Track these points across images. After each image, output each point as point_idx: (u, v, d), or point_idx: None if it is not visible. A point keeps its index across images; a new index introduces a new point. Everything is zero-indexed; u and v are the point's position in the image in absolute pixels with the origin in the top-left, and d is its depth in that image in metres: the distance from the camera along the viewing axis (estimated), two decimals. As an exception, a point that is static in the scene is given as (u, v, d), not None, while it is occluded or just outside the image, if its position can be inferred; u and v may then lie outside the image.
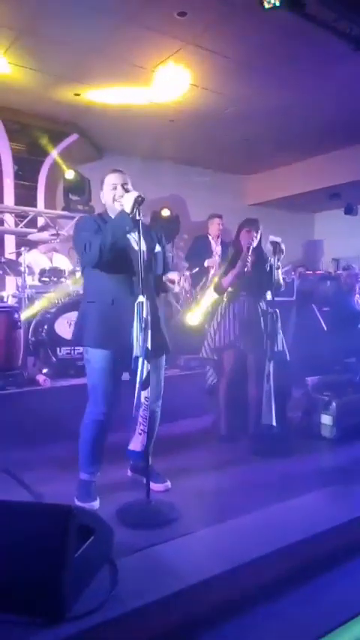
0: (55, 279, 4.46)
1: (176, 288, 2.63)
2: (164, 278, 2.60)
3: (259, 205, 8.87)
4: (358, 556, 2.18)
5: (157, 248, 2.54)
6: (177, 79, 5.20)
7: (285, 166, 8.28)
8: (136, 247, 2.48)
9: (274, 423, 3.35)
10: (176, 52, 4.64)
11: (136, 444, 2.31)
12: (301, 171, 8.11)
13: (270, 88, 5.40)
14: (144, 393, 2.27)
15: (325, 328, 6.02)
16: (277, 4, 3.36)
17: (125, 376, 2.53)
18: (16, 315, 3.71)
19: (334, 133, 6.71)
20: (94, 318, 2.45)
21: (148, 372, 2.26)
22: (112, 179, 2.50)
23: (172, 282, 2.58)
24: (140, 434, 2.30)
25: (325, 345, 5.61)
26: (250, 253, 3.42)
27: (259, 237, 3.49)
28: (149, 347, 2.25)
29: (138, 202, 2.30)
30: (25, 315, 3.93)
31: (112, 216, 2.50)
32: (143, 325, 2.25)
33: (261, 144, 7.14)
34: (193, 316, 4.89)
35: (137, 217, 2.31)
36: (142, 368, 2.26)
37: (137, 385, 2.27)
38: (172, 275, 2.59)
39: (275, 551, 1.98)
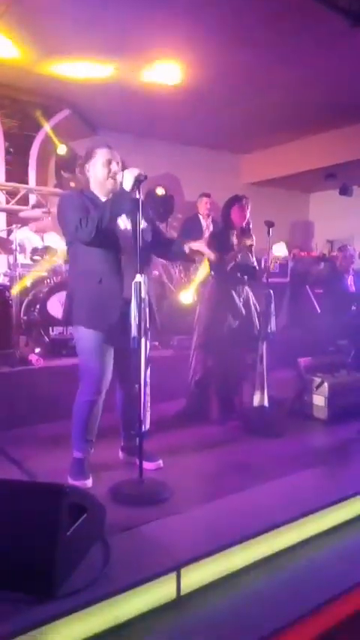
0: (47, 257, 4.40)
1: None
2: (186, 249, 2.57)
3: (254, 184, 8.77)
4: (350, 534, 2.21)
5: (143, 224, 2.42)
6: (173, 54, 5.07)
7: (281, 145, 8.17)
8: (122, 226, 2.44)
9: (267, 404, 3.38)
10: (172, 26, 4.51)
11: (146, 422, 2.34)
12: (297, 150, 8.01)
13: (267, 66, 5.29)
14: (148, 372, 2.28)
15: (319, 310, 6.03)
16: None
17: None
18: (7, 294, 3.67)
19: (331, 112, 6.62)
20: (82, 297, 2.43)
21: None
22: (105, 154, 2.42)
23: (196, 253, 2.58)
24: (148, 411, 2.32)
25: (318, 327, 5.63)
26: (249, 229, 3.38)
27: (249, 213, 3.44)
28: (148, 326, 2.25)
29: (139, 181, 2.24)
30: (16, 290, 3.87)
31: (97, 192, 2.43)
32: (142, 305, 2.23)
33: (257, 122, 7.03)
34: (187, 296, 4.87)
35: (137, 196, 2.26)
36: (145, 347, 2.27)
37: (142, 364, 2.28)
38: (196, 246, 2.58)
39: (266, 528, 1.99)
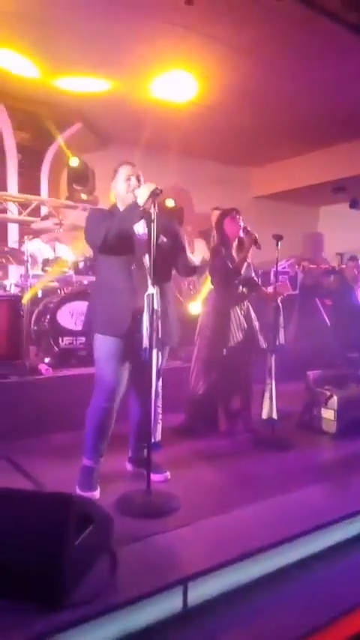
0: (58, 268, 4.45)
1: (196, 255, 2.61)
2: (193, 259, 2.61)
3: (264, 198, 8.83)
4: (357, 550, 2.19)
5: (162, 238, 2.51)
6: (181, 68, 5.14)
7: (290, 159, 8.22)
8: (141, 237, 2.49)
9: (276, 417, 3.36)
10: (182, 40, 4.59)
11: (157, 434, 2.35)
12: (306, 164, 8.05)
13: (276, 79, 5.35)
14: (159, 383, 2.30)
15: (328, 322, 6.02)
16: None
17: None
18: (18, 304, 3.71)
19: (340, 125, 6.65)
20: (100, 305, 2.55)
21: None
22: (126, 170, 2.54)
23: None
24: (159, 423, 2.33)
25: (328, 339, 5.61)
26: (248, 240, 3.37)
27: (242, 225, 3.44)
28: (160, 337, 2.27)
29: (155, 194, 2.30)
30: (27, 301, 3.92)
31: (121, 207, 2.52)
32: (154, 316, 2.27)
33: (266, 136, 7.09)
34: (195, 307, 4.87)
35: (152, 209, 2.31)
36: (157, 358, 2.32)
37: (153, 376, 2.31)
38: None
39: (275, 542, 1.98)
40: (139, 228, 2.49)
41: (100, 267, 2.61)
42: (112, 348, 2.47)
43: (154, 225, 2.32)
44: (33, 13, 4.18)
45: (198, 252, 2.57)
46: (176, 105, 5.93)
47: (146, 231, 2.46)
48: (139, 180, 2.51)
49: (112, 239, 2.37)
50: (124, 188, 2.52)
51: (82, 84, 5.55)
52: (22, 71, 5.24)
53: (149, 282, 2.33)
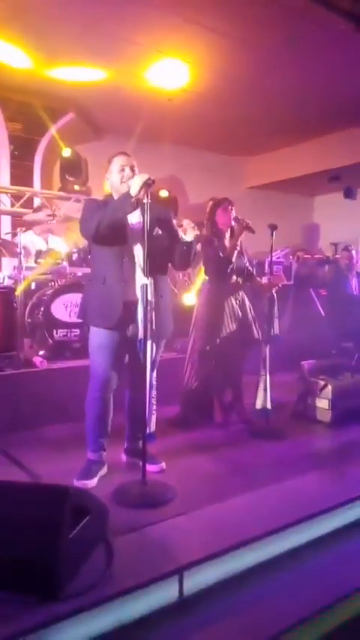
0: (51, 260, 4.43)
1: (188, 234, 2.52)
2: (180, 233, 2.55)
3: (259, 188, 8.79)
4: (352, 537, 2.21)
5: (156, 229, 2.49)
6: (176, 57, 5.09)
7: (285, 148, 8.18)
8: (135, 227, 2.47)
9: (270, 407, 3.38)
10: (177, 29, 4.53)
11: (151, 425, 2.36)
12: (301, 153, 8.01)
13: (270, 68, 5.30)
14: (154, 374, 2.30)
15: (323, 313, 6.03)
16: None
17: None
18: (12, 296, 3.69)
19: (334, 114, 6.61)
20: (92, 296, 2.55)
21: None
22: (120, 161, 2.52)
23: (181, 226, 2.57)
24: (153, 414, 2.34)
25: (322, 329, 5.63)
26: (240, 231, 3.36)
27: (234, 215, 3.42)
28: (154, 328, 2.27)
29: (148, 184, 2.28)
30: (20, 293, 3.89)
31: (116, 198, 2.50)
32: (148, 307, 2.26)
33: (260, 125, 7.04)
34: (190, 298, 4.87)
35: (145, 200, 2.29)
36: (151, 350, 2.32)
37: (147, 367, 2.31)
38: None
39: (270, 531, 2.00)
40: (133, 219, 2.47)
41: (94, 258, 2.62)
42: (104, 340, 2.49)
43: (147, 216, 2.30)
44: (29, 4, 4.11)
45: (189, 232, 2.51)
46: (170, 93, 5.87)
47: (140, 222, 2.46)
48: (133, 171, 2.49)
49: (104, 229, 2.35)
50: (119, 178, 2.50)
51: (76, 73, 5.47)
52: (15, 62, 5.16)
53: (142, 273, 2.32)
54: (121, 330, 2.44)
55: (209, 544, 1.88)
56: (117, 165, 2.52)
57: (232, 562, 1.87)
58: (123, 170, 2.50)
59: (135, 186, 2.29)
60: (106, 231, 2.36)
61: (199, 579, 1.78)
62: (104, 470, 2.57)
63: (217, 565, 1.83)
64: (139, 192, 2.28)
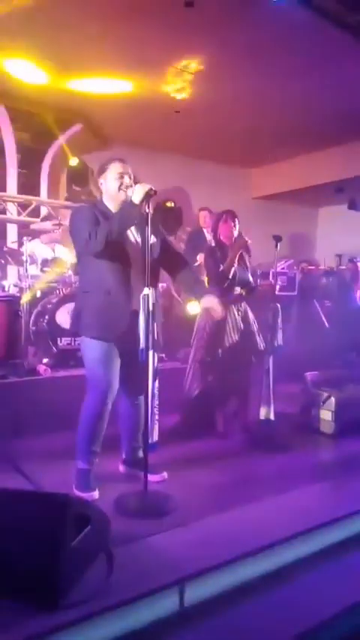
0: (57, 269, 4.46)
1: (136, 192, 2.36)
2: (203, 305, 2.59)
3: (264, 198, 8.83)
4: (355, 550, 2.19)
5: (152, 239, 2.46)
6: (183, 69, 5.15)
7: (290, 159, 8.23)
8: (131, 238, 2.48)
9: (273, 418, 3.37)
10: (183, 42, 4.60)
11: (153, 434, 2.34)
12: (306, 165, 8.06)
13: (276, 81, 5.36)
14: (156, 384, 2.29)
15: (327, 324, 6.03)
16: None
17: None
18: (17, 305, 3.71)
19: (339, 127, 6.67)
20: (91, 308, 2.46)
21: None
22: (118, 167, 2.47)
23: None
24: (155, 423, 2.33)
25: (326, 340, 5.63)
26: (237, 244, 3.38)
27: (237, 228, 3.43)
28: (156, 338, 2.27)
29: (149, 195, 2.28)
30: (25, 301, 3.93)
31: (109, 205, 2.48)
32: (149, 317, 2.26)
33: (266, 137, 7.10)
34: (194, 308, 4.88)
35: (146, 210, 2.31)
36: (153, 359, 2.31)
37: (149, 377, 2.30)
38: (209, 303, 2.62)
39: (271, 543, 1.99)
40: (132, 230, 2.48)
41: (89, 268, 2.49)
42: (106, 352, 2.44)
43: (149, 227, 2.31)
44: (37, 15, 4.18)
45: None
46: (176, 105, 5.93)
47: (134, 232, 2.47)
48: (131, 179, 2.45)
49: (111, 242, 2.31)
50: (116, 186, 2.45)
51: (84, 85, 5.55)
52: (24, 75, 5.24)
53: (143, 283, 2.30)
54: (120, 340, 2.42)
55: (211, 555, 1.87)
56: (114, 172, 2.47)
57: (233, 574, 1.86)
58: (121, 177, 2.45)
59: (137, 195, 2.29)
60: (114, 246, 2.34)
61: (200, 591, 1.77)
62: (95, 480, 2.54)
63: (218, 576, 1.82)
64: (141, 202, 2.28)
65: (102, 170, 2.52)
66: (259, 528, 2.11)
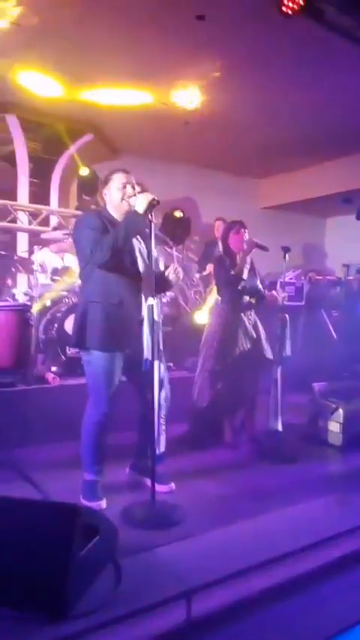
0: (67, 277, 4.50)
1: (171, 276, 2.53)
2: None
3: (272, 208, 8.86)
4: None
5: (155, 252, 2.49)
6: (193, 81, 5.21)
7: (298, 170, 8.26)
8: (135, 248, 2.50)
9: (281, 429, 3.36)
10: (193, 54, 4.66)
11: (161, 445, 2.35)
12: (314, 175, 8.09)
13: (285, 91, 5.40)
14: (162, 394, 2.30)
15: (334, 334, 6.01)
16: (297, 9, 3.37)
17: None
18: (28, 314, 3.74)
19: (347, 138, 6.68)
20: (98, 319, 2.43)
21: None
22: (121, 178, 2.50)
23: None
24: (163, 434, 2.33)
25: (334, 351, 5.61)
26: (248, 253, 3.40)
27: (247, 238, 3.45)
28: (161, 348, 2.28)
29: (152, 205, 2.31)
30: (35, 310, 3.96)
31: (114, 214, 2.50)
32: (155, 327, 2.28)
33: (274, 148, 7.13)
34: (201, 317, 4.90)
35: (150, 220, 2.33)
36: (159, 369, 2.30)
37: (155, 387, 2.30)
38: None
39: (279, 556, 1.98)
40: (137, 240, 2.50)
41: (92, 278, 2.46)
42: (110, 363, 2.42)
43: (153, 236, 2.34)
44: (50, 28, 4.25)
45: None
46: (186, 116, 5.98)
47: (138, 242, 2.49)
48: (134, 188, 2.48)
49: (117, 253, 2.33)
50: (119, 196, 2.47)
51: (96, 96, 5.61)
52: (41, 89, 5.33)
53: (147, 293, 2.33)
54: (128, 352, 2.44)
55: (218, 567, 1.87)
56: (117, 182, 2.49)
57: (241, 586, 1.85)
58: (124, 187, 2.47)
59: (140, 205, 2.31)
60: (118, 254, 2.35)
61: (207, 603, 1.77)
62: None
63: (225, 589, 1.82)
64: (145, 211, 2.31)
65: (106, 181, 2.56)
66: (266, 541, 2.11)
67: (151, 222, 2.35)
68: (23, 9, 3.99)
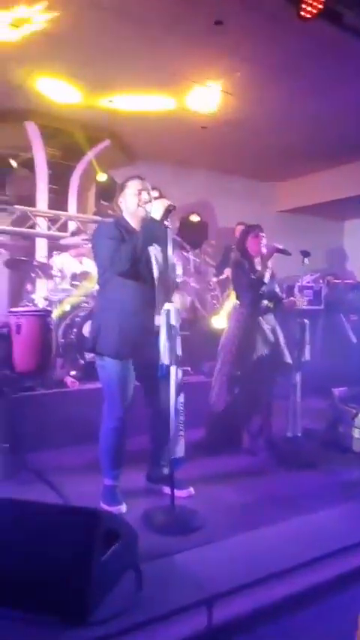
0: (86, 282, 4.54)
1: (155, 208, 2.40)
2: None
3: (289, 212, 8.82)
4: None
5: (173, 258, 2.55)
6: (211, 86, 5.23)
7: (316, 173, 8.21)
8: (151, 254, 2.51)
9: (300, 434, 3.34)
10: (212, 60, 4.68)
11: (179, 450, 2.35)
12: (331, 178, 8.03)
13: (303, 96, 5.38)
14: (180, 399, 2.30)
15: (354, 338, 5.94)
16: (316, 13, 3.36)
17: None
18: (48, 319, 3.78)
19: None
20: (111, 325, 2.46)
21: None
22: (136, 184, 2.52)
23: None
24: (181, 439, 2.33)
25: (353, 355, 5.54)
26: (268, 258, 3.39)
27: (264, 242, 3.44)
28: (179, 354, 2.28)
29: (169, 211, 2.32)
30: (55, 315, 4.00)
31: (130, 221, 2.52)
32: (172, 332, 2.28)
33: (293, 151, 7.10)
34: (219, 322, 4.89)
35: (166, 226, 2.34)
36: (176, 374, 2.29)
37: (172, 392, 2.30)
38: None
39: (299, 564, 1.96)
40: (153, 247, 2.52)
41: (109, 285, 2.50)
42: (123, 369, 2.45)
43: (170, 241, 2.35)
44: (71, 35, 4.31)
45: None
46: (204, 120, 6.00)
47: (154, 247, 2.50)
48: (149, 195, 2.49)
49: (135, 260, 2.35)
50: (135, 202, 2.49)
51: (115, 102, 5.66)
52: (60, 95, 5.39)
53: (163, 298, 2.35)
54: (140, 357, 2.45)
55: (239, 574, 1.87)
56: (133, 188, 2.51)
57: (262, 594, 1.84)
58: (140, 194, 2.49)
59: (157, 211, 2.32)
60: (136, 262, 2.37)
61: (228, 610, 1.76)
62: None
63: (246, 596, 1.81)
64: (162, 218, 2.32)
65: (121, 188, 2.58)
66: (287, 548, 2.09)
67: (167, 227, 2.36)
68: (50, 16, 4.04)
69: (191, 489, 2.66)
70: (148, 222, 2.38)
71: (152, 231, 2.36)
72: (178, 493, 2.46)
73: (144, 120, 6.05)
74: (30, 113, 5.98)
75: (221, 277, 5.93)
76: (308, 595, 1.94)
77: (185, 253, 6.48)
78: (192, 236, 6.88)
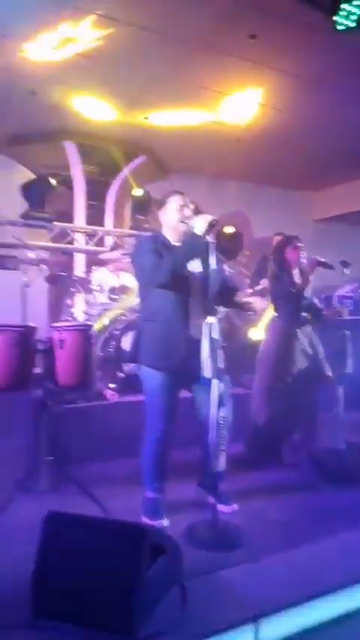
0: (124, 296, 4.60)
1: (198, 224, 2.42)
2: (237, 299, 2.62)
3: (324, 220, 8.71)
4: None
5: (214, 266, 2.50)
6: (246, 99, 5.26)
7: (351, 181, 8.10)
8: (192, 269, 2.51)
9: (343, 447, 3.26)
10: (246, 73, 4.71)
11: (220, 464, 2.33)
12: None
13: (338, 107, 5.34)
14: (220, 413, 2.30)
15: None
16: (352, 25, 3.34)
17: (183, 393, 2.58)
18: (90, 333, 3.83)
19: None
20: (151, 337, 2.50)
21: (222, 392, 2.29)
22: (178, 200, 2.55)
23: (248, 304, 2.63)
24: (223, 453, 2.32)
25: None
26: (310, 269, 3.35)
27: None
28: (221, 367, 2.28)
29: (212, 225, 2.34)
30: (95, 328, 4.05)
31: (170, 236, 2.55)
32: (214, 345, 2.28)
33: (327, 160, 7.04)
34: (256, 334, 4.84)
35: (209, 240, 2.36)
36: (217, 388, 2.29)
37: (214, 405, 2.29)
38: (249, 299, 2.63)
39: (346, 582, 1.91)
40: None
41: (149, 297, 2.54)
42: (163, 380, 2.47)
43: (212, 256, 2.37)
44: (108, 54, 4.42)
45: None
46: (238, 131, 6.02)
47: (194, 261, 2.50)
48: (191, 210, 2.52)
49: (175, 274, 2.37)
50: (177, 218, 2.52)
51: (150, 118, 5.76)
52: (97, 114, 5.54)
53: (204, 311, 2.36)
54: (180, 369, 2.45)
55: (286, 592, 1.83)
56: (175, 204, 2.54)
57: (310, 613, 1.80)
58: (182, 209, 2.52)
59: (200, 226, 2.34)
60: (176, 276, 2.39)
61: (275, 628, 1.73)
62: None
63: (294, 615, 1.77)
64: (204, 233, 2.33)
65: (162, 204, 2.61)
66: (334, 566, 2.04)
67: (209, 243, 2.37)
68: (93, 36, 4.15)
69: (235, 506, 2.63)
70: (190, 237, 2.40)
71: (193, 245, 2.38)
72: (221, 508, 2.44)
73: (179, 134, 6.13)
74: (68, 132, 6.17)
75: (257, 288, 5.89)
76: (356, 615, 1.88)
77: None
78: (227, 247, 6.88)
